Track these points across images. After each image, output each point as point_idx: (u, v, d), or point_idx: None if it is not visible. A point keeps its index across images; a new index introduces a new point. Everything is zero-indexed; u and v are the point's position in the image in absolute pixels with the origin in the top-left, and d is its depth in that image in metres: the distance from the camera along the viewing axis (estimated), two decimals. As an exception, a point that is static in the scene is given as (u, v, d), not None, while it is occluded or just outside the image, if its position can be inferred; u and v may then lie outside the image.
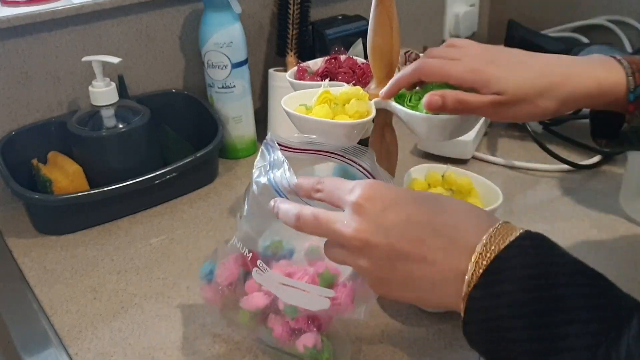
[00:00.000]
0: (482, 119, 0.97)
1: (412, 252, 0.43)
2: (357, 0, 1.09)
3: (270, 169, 0.53)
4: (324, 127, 0.58)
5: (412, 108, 0.58)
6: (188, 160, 0.83)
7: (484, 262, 0.40)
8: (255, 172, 0.55)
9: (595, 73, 0.54)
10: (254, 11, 1.00)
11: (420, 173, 0.81)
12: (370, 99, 0.64)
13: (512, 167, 0.89)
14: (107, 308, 0.66)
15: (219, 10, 0.87)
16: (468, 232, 0.43)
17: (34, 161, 0.84)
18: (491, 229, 0.42)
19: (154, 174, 0.80)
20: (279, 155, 0.53)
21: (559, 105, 0.54)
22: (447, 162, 0.82)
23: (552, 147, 0.88)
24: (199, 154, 0.84)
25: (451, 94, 0.55)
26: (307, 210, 0.47)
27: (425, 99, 0.55)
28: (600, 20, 1.15)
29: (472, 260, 0.40)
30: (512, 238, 0.41)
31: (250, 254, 0.55)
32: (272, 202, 0.51)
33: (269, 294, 0.55)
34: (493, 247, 0.40)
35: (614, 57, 0.55)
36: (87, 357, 0.59)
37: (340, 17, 1.03)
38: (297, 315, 0.54)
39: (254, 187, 0.54)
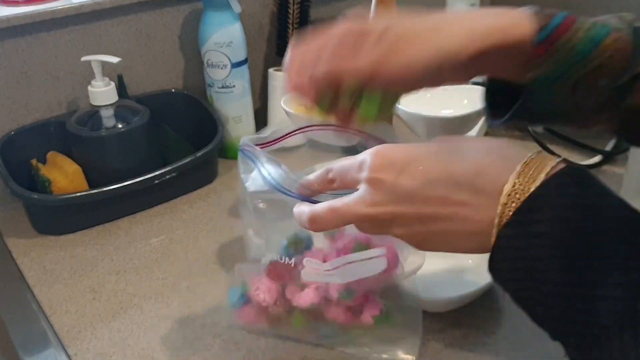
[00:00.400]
0: (482, 119, 0.97)
1: (440, 212, 0.41)
2: (357, 0, 1.09)
3: (259, 171, 0.52)
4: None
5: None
6: (188, 160, 0.82)
7: (514, 204, 0.37)
8: (246, 181, 0.54)
9: (496, 10, 0.47)
10: (254, 11, 1.00)
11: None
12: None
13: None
14: (106, 308, 0.66)
15: (219, 9, 0.87)
16: (492, 175, 0.39)
17: (34, 161, 0.84)
18: (519, 167, 0.38)
19: (153, 174, 0.80)
20: (264, 156, 0.52)
21: (464, 39, 0.45)
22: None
23: (552, 147, 0.88)
24: (198, 154, 0.83)
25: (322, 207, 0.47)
26: (320, 207, 0.45)
27: (297, 217, 0.49)
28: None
29: (501, 202, 0.38)
30: (547, 172, 0.38)
31: (292, 261, 0.55)
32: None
33: (317, 289, 0.55)
34: (523, 187, 0.38)
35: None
36: (87, 357, 0.59)
37: (340, 17, 1.02)
38: (354, 295, 0.54)
39: (247, 195, 0.54)
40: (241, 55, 0.90)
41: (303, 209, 0.46)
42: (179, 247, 0.75)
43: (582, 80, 0.47)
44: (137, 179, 0.79)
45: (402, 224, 0.42)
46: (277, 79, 0.96)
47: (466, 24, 0.46)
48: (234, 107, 0.93)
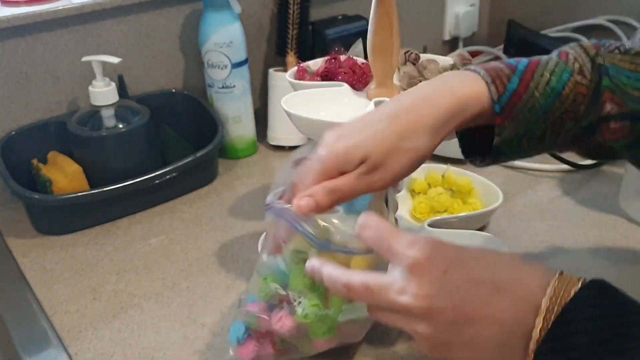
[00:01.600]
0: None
1: (479, 313, 0.40)
2: (357, 0, 1.09)
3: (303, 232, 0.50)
4: (324, 128, 0.58)
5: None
6: (188, 160, 0.83)
7: (551, 317, 0.38)
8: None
9: (451, 89, 0.48)
10: (254, 11, 1.00)
11: (420, 173, 0.81)
12: (370, 99, 0.64)
13: (512, 167, 0.89)
14: (106, 308, 0.66)
15: (219, 10, 0.87)
16: (531, 286, 0.40)
17: (34, 161, 0.84)
18: (553, 281, 0.39)
19: (153, 174, 0.80)
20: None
21: (429, 138, 0.48)
22: (447, 162, 0.82)
23: (552, 147, 0.88)
24: (198, 154, 0.84)
25: (320, 189, 0.48)
26: (357, 279, 0.43)
27: (295, 203, 0.49)
28: (600, 20, 1.15)
29: (540, 315, 0.38)
30: (576, 289, 0.39)
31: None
32: (310, 264, 0.47)
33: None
34: (559, 300, 0.38)
35: (469, 69, 0.50)
36: (87, 357, 0.59)
37: (340, 17, 1.03)
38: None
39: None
40: (241, 55, 0.90)
41: (336, 274, 0.45)
42: (179, 247, 0.75)
43: (547, 130, 0.49)
44: (137, 179, 0.79)
45: (433, 320, 0.41)
46: (277, 79, 0.96)
47: (425, 122, 0.47)
48: (234, 107, 0.93)
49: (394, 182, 0.49)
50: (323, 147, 0.49)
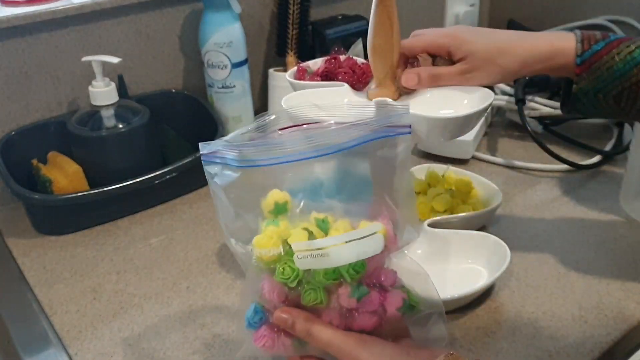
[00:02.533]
0: (483, 119, 0.97)
1: None
2: (357, 0, 1.09)
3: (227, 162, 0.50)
4: None
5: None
6: (188, 160, 0.83)
7: None
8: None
9: (550, 38, 0.60)
10: (254, 11, 1.00)
11: (421, 173, 0.81)
12: (370, 99, 0.64)
13: (512, 167, 0.89)
14: (106, 308, 0.66)
15: (219, 10, 0.87)
16: None
17: (34, 161, 0.84)
18: None
19: (153, 174, 0.80)
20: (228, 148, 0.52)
21: (518, 64, 0.60)
22: (447, 162, 0.82)
23: (552, 147, 0.88)
24: (198, 154, 0.83)
25: (425, 70, 0.61)
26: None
27: (403, 76, 0.61)
28: (600, 20, 1.15)
29: None
30: None
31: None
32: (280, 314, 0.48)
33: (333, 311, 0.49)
34: None
35: (573, 31, 0.60)
36: (87, 357, 0.59)
37: (340, 17, 1.03)
38: (366, 293, 0.48)
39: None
40: (241, 55, 0.90)
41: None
42: (179, 247, 0.75)
43: (623, 92, 0.58)
44: (137, 179, 0.79)
45: None
46: (277, 79, 0.96)
47: (521, 54, 0.60)
48: (234, 107, 0.93)
49: (481, 85, 0.61)
50: (447, 30, 0.63)
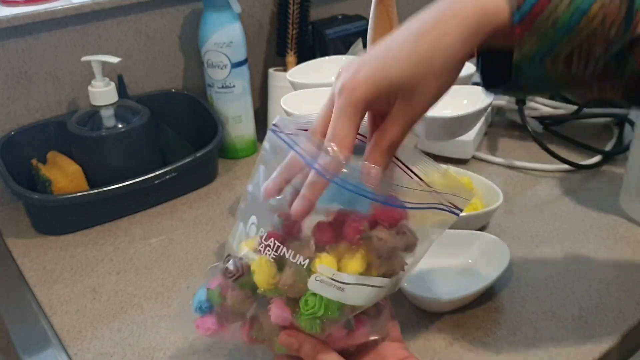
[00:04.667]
0: (483, 119, 0.97)
1: None
2: (357, 0, 1.09)
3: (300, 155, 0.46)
4: None
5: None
6: (188, 160, 0.83)
7: None
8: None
9: (470, 3, 0.45)
10: (254, 11, 1.00)
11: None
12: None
13: (512, 167, 0.89)
14: (106, 308, 0.66)
15: (219, 10, 0.87)
16: None
17: (34, 161, 0.84)
18: None
19: (153, 174, 0.80)
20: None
21: (460, 52, 0.45)
22: (447, 162, 0.82)
23: (553, 147, 0.88)
24: (198, 154, 0.83)
25: (374, 150, 0.46)
26: None
27: (366, 177, 0.46)
28: (600, 20, 1.15)
29: None
30: None
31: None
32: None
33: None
34: None
35: None
36: (87, 357, 0.59)
37: (340, 17, 1.03)
38: (353, 326, 0.48)
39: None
40: (241, 55, 0.90)
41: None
42: (178, 247, 0.75)
43: (574, 52, 0.44)
44: (137, 179, 0.79)
45: None
46: (277, 79, 0.96)
47: (453, 36, 0.44)
48: (233, 107, 0.93)
49: (430, 107, 0.46)
50: (343, 84, 0.44)
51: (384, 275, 0.46)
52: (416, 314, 0.62)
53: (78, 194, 0.78)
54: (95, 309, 0.66)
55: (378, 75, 0.44)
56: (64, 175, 0.81)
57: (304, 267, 0.45)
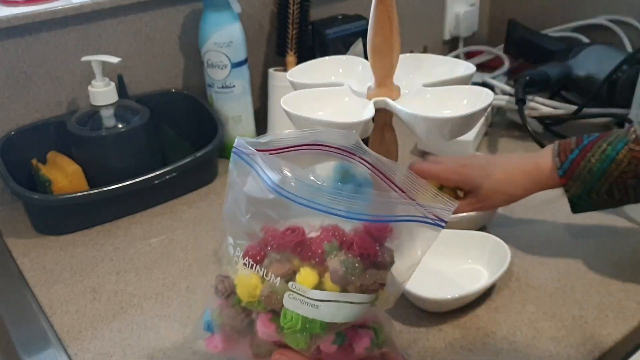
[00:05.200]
0: (483, 118, 0.96)
1: None
2: (357, 0, 1.09)
3: (259, 176, 0.48)
4: (322, 127, 0.58)
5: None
6: (188, 160, 0.82)
7: None
8: (242, 184, 0.50)
9: (536, 159, 0.67)
10: (254, 11, 1.00)
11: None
12: (370, 99, 0.64)
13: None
14: (106, 308, 0.66)
15: (219, 9, 0.87)
16: None
17: (34, 161, 0.84)
18: None
19: (153, 174, 0.80)
20: (263, 159, 0.48)
21: (521, 190, 0.68)
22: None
23: (552, 147, 0.88)
24: (198, 154, 0.83)
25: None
26: None
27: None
28: (600, 20, 1.15)
29: None
30: None
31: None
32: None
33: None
34: None
35: (551, 145, 0.67)
36: (87, 357, 0.59)
37: (340, 17, 1.03)
38: (346, 340, 0.47)
39: (241, 200, 0.50)
40: (241, 55, 0.90)
41: None
42: (178, 247, 0.75)
43: (612, 187, 0.63)
44: (137, 179, 0.79)
45: None
46: (277, 79, 0.96)
47: (521, 182, 0.68)
48: (233, 107, 0.93)
49: (490, 210, 0.72)
50: (459, 164, 0.70)
51: (362, 292, 0.45)
52: (416, 314, 0.62)
53: (78, 194, 0.78)
54: (95, 309, 0.66)
55: (469, 178, 0.70)
56: (64, 175, 0.81)
57: (277, 285, 0.45)
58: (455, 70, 0.69)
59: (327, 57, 0.75)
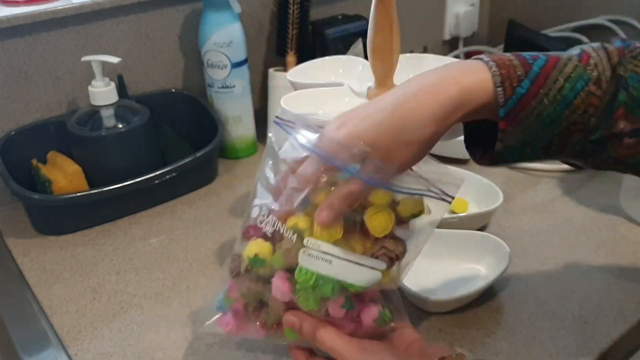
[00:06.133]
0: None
1: None
2: (357, 0, 1.09)
3: (295, 139, 0.49)
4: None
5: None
6: (188, 160, 0.82)
7: None
8: (278, 147, 0.51)
9: (455, 78, 0.46)
10: (254, 11, 1.00)
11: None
12: (369, 99, 0.64)
13: (512, 167, 0.89)
14: (106, 308, 0.66)
15: (219, 9, 0.87)
16: None
17: (34, 161, 0.84)
18: None
19: (153, 174, 0.80)
20: (301, 125, 0.50)
21: (431, 128, 0.45)
22: (447, 163, 0.82)
23: (552, 147, 0.88)
24: (198, 154, 0.83)
25: (335, 197, 0.46)
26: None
27: (316, 218, 0.47)
28: (600, 20, 1.15)
29: None
30: None
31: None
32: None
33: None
34: None
35: (479, 58, 0.47)
36: (87, 357, 0.59)
37: (340, 17, 1.03)
38: (354, 307, 0.49)
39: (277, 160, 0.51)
40: (241, 55, 0.90)
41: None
42: (178, 247, 0.75)
43: (553, 140, 0.46)
44: (137, 179, 0.79)
45: None
46: (277, 79, 0.96)
47: (427, 111, 0.45)
48: (233, 107, 0.93)
49: (400, 173, 0.47)
50: (324, 138, 0.47)
51: (375, 257, 0.47)
52: (416, 314, 0.62)
53: (78, 194, 0.78)
54: (95, 309, 0.66)
55: (354, 136, 0.46)
56: (64, 175, 0.81)
57: (293, 241, 0.47)
58: None
59: (327, 57, 0.76)
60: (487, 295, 0.64)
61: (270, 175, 0.52)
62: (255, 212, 0.51)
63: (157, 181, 0.80)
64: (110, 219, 0.80)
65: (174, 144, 0.92)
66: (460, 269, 0.67)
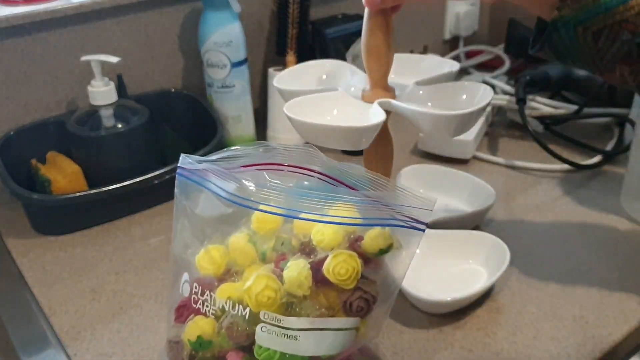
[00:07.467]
0: (483, 118, 0.96)
1: None
2: (357, 0, 1.08)
3: (212, 192, 0.43)
4: (328, 132, 0.57)
5: None
6: (187, 160, 0.82)
7: None
8: (194, 207, 0.45)
9: None
10: (254, 10, 0.99)
11: (415, 173, 0.81)
12: (364, 101, 0.63)
13: (512, 167, 0.89)
14: (106, 308, 0.66)
15: (218, 9, 0.87)
16: None
17: (33, 161, 0.84)
18: None
19: (153, 174, 0.80)
20: (214, 173, 0.43)
21: None
22: (447, 163, 0.82)
23: (553, 147, 0.88)
24: (198, 154, 0.83)
25: None
26: None
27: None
28: (600, 19, 1.15)
29: None
30: None
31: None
32: None
33: None
34: None
35: None
36: (86, 357, 0.59)
37: (340, 16, 1.02)
38: None
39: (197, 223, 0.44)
40: (241, 55, 0.90)
41: None
42: (178, 247, 0.75)
43: (603, 30, 0.51)
44: (137, 179, 0.78)
45: None
46: (277, 78, 0.96)
47: None
48: (233, 106, 0.92)
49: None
50: None
51: (350, 304, 0.41)
52: (416, 315, 0.62)
53: (77, 194, 0.78)
54: (95, 309, 0.65)
55: None
56: (63, 175, 0.81)
57: (245, 316, 0.40)
58: (442, 68, 0.68)
59: (309, 62, 0.72)
60: (488, 296, 0.64)
61: (191, 241, 0.45)
62: (186, 289, 0.45)
63: (156, 181, 0.80)
64: (110, 219, 0.80)
65: (174, 144, 0.92)
66: (460, 270, 0.67)
